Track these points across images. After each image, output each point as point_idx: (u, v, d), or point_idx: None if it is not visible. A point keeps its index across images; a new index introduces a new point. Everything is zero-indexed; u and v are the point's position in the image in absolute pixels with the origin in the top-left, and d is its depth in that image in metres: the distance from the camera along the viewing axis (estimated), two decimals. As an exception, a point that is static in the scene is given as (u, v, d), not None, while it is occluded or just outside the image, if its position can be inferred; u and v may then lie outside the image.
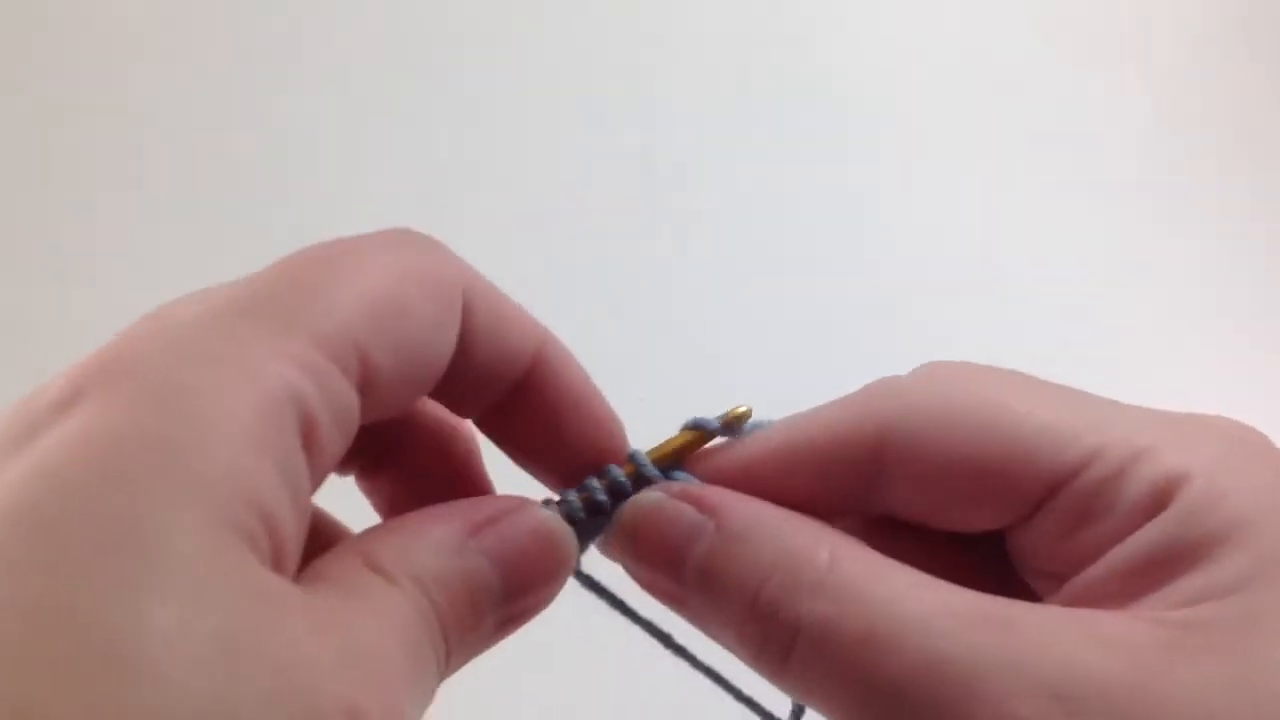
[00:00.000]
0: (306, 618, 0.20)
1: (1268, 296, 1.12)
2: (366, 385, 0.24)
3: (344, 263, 0.24)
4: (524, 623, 0.27)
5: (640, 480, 0.30)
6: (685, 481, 0.30)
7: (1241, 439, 0.27)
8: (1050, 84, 1.11)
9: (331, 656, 0.20)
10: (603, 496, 0.30)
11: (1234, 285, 1.12)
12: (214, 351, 0.21)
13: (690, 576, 0.28)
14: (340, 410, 0.23)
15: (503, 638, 0.27)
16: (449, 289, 0.26)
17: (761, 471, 0.30)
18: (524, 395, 0.29)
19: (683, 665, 0.32)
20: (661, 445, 0.31)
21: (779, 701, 0.32)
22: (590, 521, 0.29)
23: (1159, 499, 0.26)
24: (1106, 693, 0.22)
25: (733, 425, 0.31)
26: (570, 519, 0.29)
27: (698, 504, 0.28)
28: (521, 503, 0.28)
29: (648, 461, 0.30)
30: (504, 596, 0.26)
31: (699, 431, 0.31)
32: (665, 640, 0.31)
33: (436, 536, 0.25)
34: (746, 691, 0.32)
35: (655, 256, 0.97)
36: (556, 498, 0.30)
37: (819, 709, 0.26)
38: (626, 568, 0.29)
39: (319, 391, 0.22)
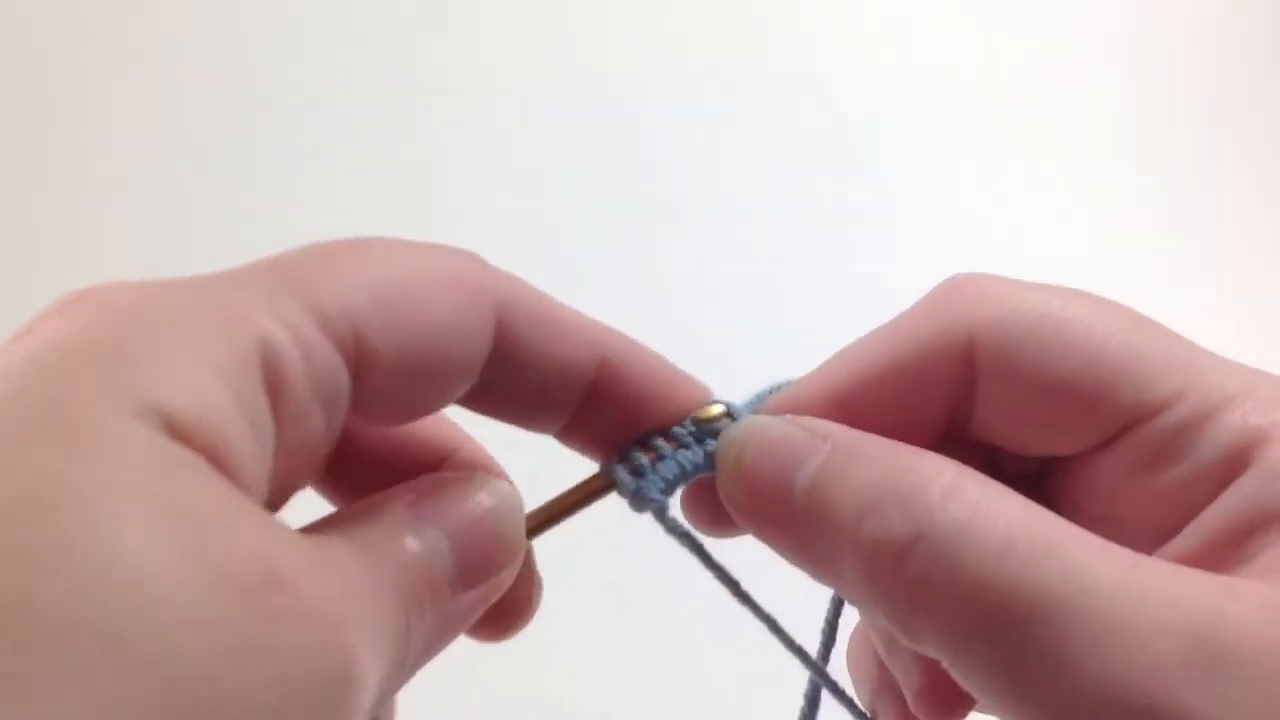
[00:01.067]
0: (237, 497, 0.19)
1: (1269, 295, 1.13)
2: (363, 367, 0.23)
3: (364, 250, 0.24)
4: (491, 598, 0.25)
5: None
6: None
7: None
8: (1047, 82, 1.11)
9: (254, 522, 0.19)
10: (690, 439, 0.29)
11: (1235, 283, 1.12)
12: (195, 294, 0.21)
13: (801, 495, 0.26)
14: (321, 377, 0.22)
15: (470, 617, 0.25)
16: (475, 293, 0.25)
17: (852, 396, 0.29)
18: (601, 402, 0.28)
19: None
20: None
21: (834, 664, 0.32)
22: (670, 469, 0.29)
23: (1238, 456, 0.26)
24: (1247, 642, 0.22)
25: (704, 425, 0.30)
26: (643, 468, 0.29)
27: (809, 430, 0.27)
28: (469, 474, 0.26)
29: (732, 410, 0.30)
30: (457, 568, 0.24)
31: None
32: (733, 587, 0.31)
33: (381, 512, 0.24)
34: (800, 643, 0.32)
35: (654, 257, 0.97)
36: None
37: (925, 627, 0.24)
38: (728, 493, 0.28)
39: (297, 350, 0.21)
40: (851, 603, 0.28)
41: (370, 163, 0.92)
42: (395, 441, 0.29)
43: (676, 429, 0.30)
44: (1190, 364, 0.27)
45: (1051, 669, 0.22)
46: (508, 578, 0.26)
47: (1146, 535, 0.27)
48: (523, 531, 0.26)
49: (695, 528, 0.31)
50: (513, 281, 0.26)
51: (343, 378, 0.23)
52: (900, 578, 0.24)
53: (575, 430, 0.29)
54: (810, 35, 1.05)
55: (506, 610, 0.28)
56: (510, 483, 0.27)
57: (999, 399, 0.28)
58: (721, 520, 0.30)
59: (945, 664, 0.25)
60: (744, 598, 0.31)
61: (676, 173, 1.00)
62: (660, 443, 0.29)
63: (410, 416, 0.26)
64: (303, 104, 0.92)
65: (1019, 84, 1.10)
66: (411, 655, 0.23)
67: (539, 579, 0.29)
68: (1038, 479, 0.30)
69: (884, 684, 0.33)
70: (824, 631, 0.33)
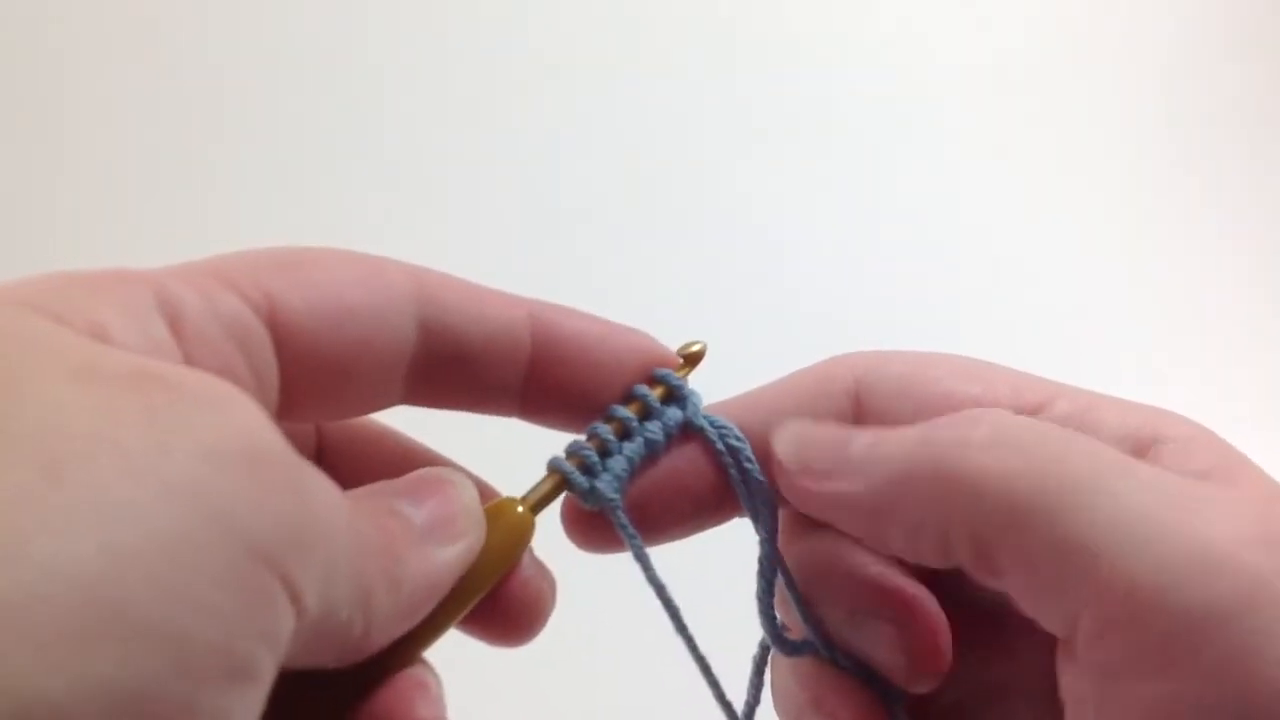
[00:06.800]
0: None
1: (1266, 297, 1.13)
2: (276, 322, 0.25)
3: (279, 247, 0.26)
4: (464, 560, 0.27)
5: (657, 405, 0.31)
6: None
7: (1185, 418, 0.29)
8: (1049, 84, 1.11)
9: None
10: (633, 419, 0.30)
11: (1233, 286, 1.12)
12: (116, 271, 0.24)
13: (857, 448, 0.29)
14: (226, 317, 0.24)
15: (448, 573, 0.26)
16: (380, 265, 0.27)
17: (750, 422, 0.31)
18: (548, 362, 0.29)
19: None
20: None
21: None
22: (621, 465, 0.30)
23: (1142, 439, 0.28)
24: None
25: (691, 360, 0.32)
26: (605, 452, 0.30)
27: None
28: (430, 468, 0.28)
29: (649, 395, 0.31)
30: (427, 521, 0.26)
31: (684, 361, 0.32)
32: (672, 612, 0.32)
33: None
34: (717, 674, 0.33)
35: (658, 259, 0.97)
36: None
37: (982, 514, 0.26)
38: (783, 454, 0.30)
39: (193, 293, 0.24)
40: (880, 523, 0.29)
41: (366, 161, 0.93)
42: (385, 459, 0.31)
43: (618, 411, 0.30)
44: (1048, 383, 0.30)
45: (1113, 553, 0.24)
46: (474, 544, 0.27)
47: None
48: (478, 502, 0.28)
49: (575, 544, 0.31)
50: (429, 270, 0.28)
51: (254, 321, 0.25)
52: (966, 468, 0.26)
53: (535, 399, 0.30)
54: (816, 29, 1.06)
55: (521, 610, 0.29)
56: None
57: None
58: (600, 538, 0.31)
59: (969, 560, 0.27)
60: (682, 628, 0.32)
61: (679, 174, 1.00)
62: (602, 429, 0.30)
63: (355, 400, 0.28)
64: (299, 97, 0.93)
65: (1028, 87, 1.10)
66: (395, 588, 0.24)
67: (551, 579, 0.30)
68: None
69: None
70: (749, 691, 0.34)
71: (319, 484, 0.21)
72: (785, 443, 0.30)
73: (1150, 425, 0.28)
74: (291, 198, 0.90)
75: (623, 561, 0.31)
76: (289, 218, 0.88)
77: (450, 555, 0.26)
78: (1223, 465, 0.27)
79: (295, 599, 0.20)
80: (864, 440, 0.29)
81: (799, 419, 0.31)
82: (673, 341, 0.32)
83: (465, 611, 0.28)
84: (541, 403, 0.30)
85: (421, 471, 0.28)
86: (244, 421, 0.20)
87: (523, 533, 0.29)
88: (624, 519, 0.30)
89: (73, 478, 0.17)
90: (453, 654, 0.28)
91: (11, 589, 0.16)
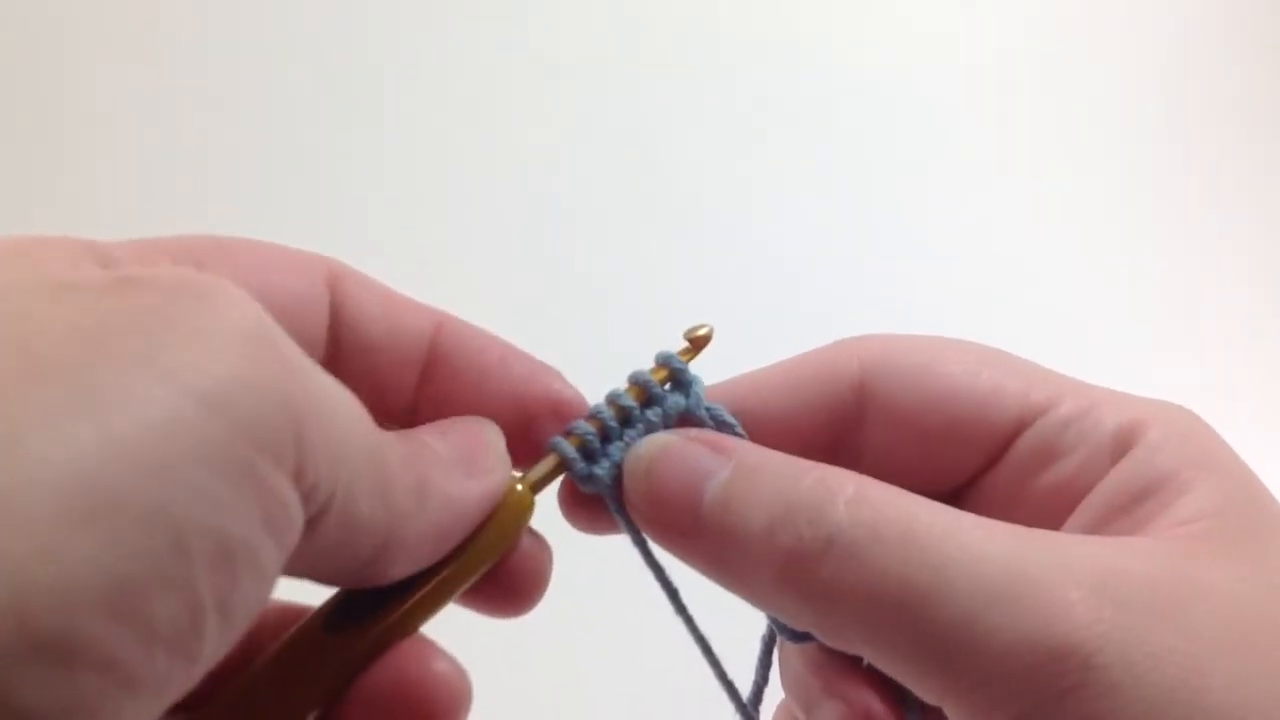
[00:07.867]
0: None
1: (1265, 296, 1.13)
2: None
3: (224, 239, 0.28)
4: (489, 493, 0.27)
5: (649, 400, 0.31)
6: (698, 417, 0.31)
7: (1175, 405, 0.30)
8: (1049, 84, 1.11)
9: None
10: (613, 422, 0.30)
11: (1233, 286, 1.12)
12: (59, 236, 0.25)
13: (708, 508, 0.27)
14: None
15: (474, 505, 0.27)
16: (298, 254, 0.28)
17: (753, 405, 0.31)
18: (443, 371, 0.30)
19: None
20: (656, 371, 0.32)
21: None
22: (621, 452, 0.30)
23: (1123, 440, 0.28)
24: (1149, 584, 0.24)
25: (697, 344, 0.31)
26: (605, 436, 0.30)
27: (712, 448, 0.29)
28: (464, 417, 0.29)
29: (652, 379, 0.31)
30: (456, 453, 0.27)
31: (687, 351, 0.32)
32: (672, 594, 0.32)
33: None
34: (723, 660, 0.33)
35: (656, 251, 0.97)
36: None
37: (842, 624, 0.26)
38: (635, 505, 0.29)
39: (133, 261, 0.26)
40: (759, 607, 0.29)
41: (361, 154, 0.93)
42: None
43: (621, 396, 0.30)
44: (1058, 379, 0.30)
45: (964, 636, 0.23)
46: (501, 481, 0.28)
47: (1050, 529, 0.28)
48: (504, 444, 0.29)
49: (573, 526, 0.32)
50: (346, 265, 0.29)
51: None
52: (813, 582, 0.26)
53: (426, 408, 0.30)
54: (815, 27, 1.06)
55: (519, 582, 0.29)
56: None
57: (893, 422, 0.30)
58: (598, 520, 0.31)
59: (869, 658, 0.26)
60: (681, 609, 0.32)
61: (679, 173, 1.00)
62: (604, 412, 0.30)
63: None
64: (299, 97, 0.93)
65: (1028, 87, 1.11)
66: (419, 506, 0.24)
67: (549, 551, 0.30)
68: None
69: None
70: (756, 673, 0.34)
71: (317, 369, 0.22)
72: (637, 477, 0.29)
73: (1136, 424, 0.28)
74: (291, 198, 0.90)
75: (624, 541, 0.31)
76: (289, 217, 0.88)
77: (477, 488, 0.27)
78: (1188, 467, 0.27)
79: (299, 477, 0.20)
80: (716, 496, 0.27)
81: (662, 437, 0.29)
82: (676, 334, 0.32)
83: (463, 589, 0.28)
84: (431, 413, 0.30)
85: (448, 419, 0.28)
86: (234, 309, 0.20)
87: (522, 512, 0.29)
88: (621, 508, 0.30)
89: (61, 373, 0.17)
90: (449, 638, 0.28)
91: (4, 479, 0.16)
